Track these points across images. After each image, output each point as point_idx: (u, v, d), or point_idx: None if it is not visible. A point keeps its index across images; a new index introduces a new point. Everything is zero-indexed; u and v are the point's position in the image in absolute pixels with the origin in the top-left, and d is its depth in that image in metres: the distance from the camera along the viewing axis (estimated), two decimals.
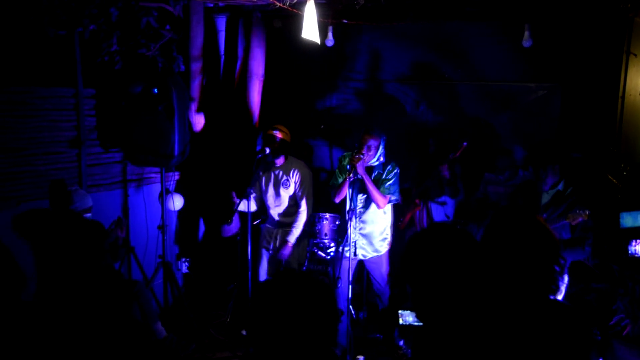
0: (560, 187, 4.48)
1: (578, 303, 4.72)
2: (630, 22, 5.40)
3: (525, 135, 5.84)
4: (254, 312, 1.65)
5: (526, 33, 5.34)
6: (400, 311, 2.63)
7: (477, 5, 5.43)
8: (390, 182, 4.81)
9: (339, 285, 4.83)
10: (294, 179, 5.17)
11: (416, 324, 1.93)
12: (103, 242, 4.22)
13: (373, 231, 4.95)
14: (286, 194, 5.21)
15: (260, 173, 5.29)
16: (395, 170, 4.84)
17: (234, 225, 5.75)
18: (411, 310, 2.49)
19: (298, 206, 5.18)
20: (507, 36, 5.71)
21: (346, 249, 4.90)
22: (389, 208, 4.99)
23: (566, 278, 4.47)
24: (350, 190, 4.79)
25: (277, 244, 5.29)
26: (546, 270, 1.98)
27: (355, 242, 4.93)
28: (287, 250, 5.16)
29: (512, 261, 1.98)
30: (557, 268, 1.99)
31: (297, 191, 5.17)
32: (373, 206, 4.86)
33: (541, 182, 4.48)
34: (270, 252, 5.37)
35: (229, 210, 5.01)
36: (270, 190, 5.26)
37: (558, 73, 5.75)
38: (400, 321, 2.60)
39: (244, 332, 5.31)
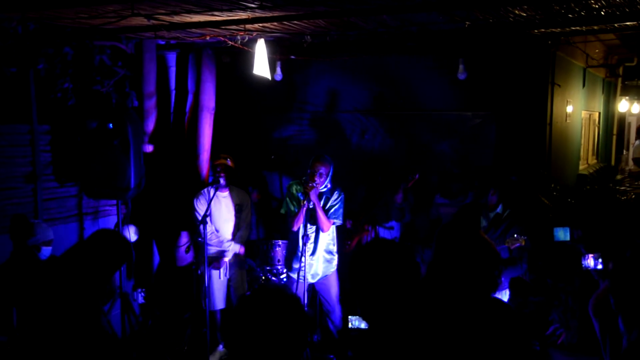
0: (499, 209, 4.82)
1: (518, 316, 5.03)
2: (553, 56, 5.91)
3: (467, 161, 6.21)
4: (236, 325, 1.83)
5: (461, 66, 5.70)
6: (349, 317, 2.85)
7: (416, 41, 5.80)
8: (336, 207, 5.07)
9: None
10: (240, 202, 5.48)
11: (364, 327, 2.17)
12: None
13: (321, 254, 5.18)
14: (232, 217, 5.47)
15: (210, 198, 5.45)
16: (341, 197, 5.09)
17: (189, 254, 5.89)
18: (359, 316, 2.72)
19: (241, 225, 5.51)
20: (445, 69, 6.09)
21: (301, 273, 5.10)
22: (332, 230, 5.23)
23: (507, 293, 4.80)
24: (304, 217, 5.04)
25: (228, 267, 5.50)
26: (489, 275, 2.31)
27: (304, 265, 5.13)
28: (232, 258, 5.48)
29: (459, 269, 2.28)
30: (496, 273, 2.33)
31: (242, 213, 5.47)
32: (319, 230, 5.10)
33: (483, 205, 4.82)
34: (220, 277, 5.53)
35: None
36: (221, 214, 5.47)
37: (491, 102, 6.17)
38: (350, 325, 2.80)
39: None
